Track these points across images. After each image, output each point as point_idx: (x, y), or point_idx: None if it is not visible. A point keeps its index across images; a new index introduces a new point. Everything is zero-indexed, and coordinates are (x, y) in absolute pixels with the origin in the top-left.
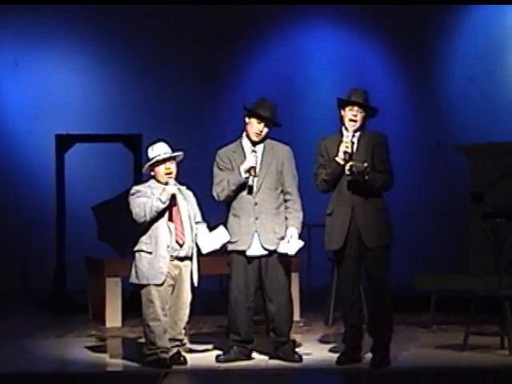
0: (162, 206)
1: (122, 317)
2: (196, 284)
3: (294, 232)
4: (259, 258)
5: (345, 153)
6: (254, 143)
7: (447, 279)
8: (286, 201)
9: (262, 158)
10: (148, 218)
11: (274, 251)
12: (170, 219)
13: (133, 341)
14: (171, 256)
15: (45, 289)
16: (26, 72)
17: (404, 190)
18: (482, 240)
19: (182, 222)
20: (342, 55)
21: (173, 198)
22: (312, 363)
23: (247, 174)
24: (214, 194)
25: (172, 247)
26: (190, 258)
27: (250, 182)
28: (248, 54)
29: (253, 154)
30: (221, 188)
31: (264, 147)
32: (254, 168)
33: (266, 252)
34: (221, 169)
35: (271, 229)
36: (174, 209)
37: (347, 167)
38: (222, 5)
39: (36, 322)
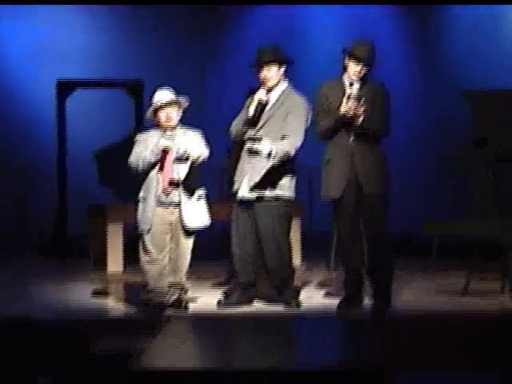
0: (154, 160)
1: (123, 262)
2: (190, 226)
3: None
4: (251, 203)
5: (348, 97)
6: (270, 90)
7: (450, 224)
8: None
9: (273, 104)
10: (140, 169)
11: (263, 198)
12: (162, 169)
13: (134, 286)
14: (161, 203)
15: (46, 234)
16: (27, 18)
17: (407, 140)
18: (484, 185)
19: (173, 171)
20: (345, 12)
21: (166, 150)
22: (313, 308)
23: (254, 111)
24: (229, 131)
25: (159, 196)
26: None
27: (251, 113)
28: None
29: (262, 90)
30: (233, 124)
31: (280, 95)
32: (261, 102)
33: (254, 196)
34: None
35: (261, 174)
36: (167, 159)
37: (342, 109)
38: None
39: (37, 267)
